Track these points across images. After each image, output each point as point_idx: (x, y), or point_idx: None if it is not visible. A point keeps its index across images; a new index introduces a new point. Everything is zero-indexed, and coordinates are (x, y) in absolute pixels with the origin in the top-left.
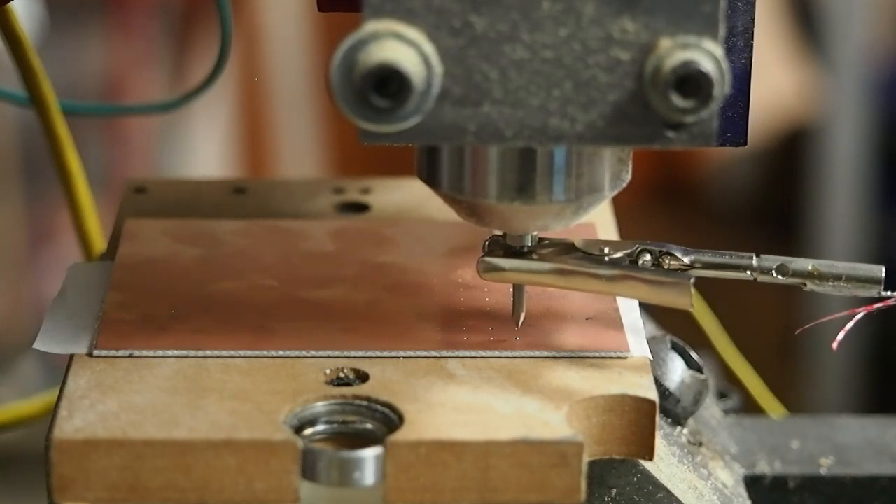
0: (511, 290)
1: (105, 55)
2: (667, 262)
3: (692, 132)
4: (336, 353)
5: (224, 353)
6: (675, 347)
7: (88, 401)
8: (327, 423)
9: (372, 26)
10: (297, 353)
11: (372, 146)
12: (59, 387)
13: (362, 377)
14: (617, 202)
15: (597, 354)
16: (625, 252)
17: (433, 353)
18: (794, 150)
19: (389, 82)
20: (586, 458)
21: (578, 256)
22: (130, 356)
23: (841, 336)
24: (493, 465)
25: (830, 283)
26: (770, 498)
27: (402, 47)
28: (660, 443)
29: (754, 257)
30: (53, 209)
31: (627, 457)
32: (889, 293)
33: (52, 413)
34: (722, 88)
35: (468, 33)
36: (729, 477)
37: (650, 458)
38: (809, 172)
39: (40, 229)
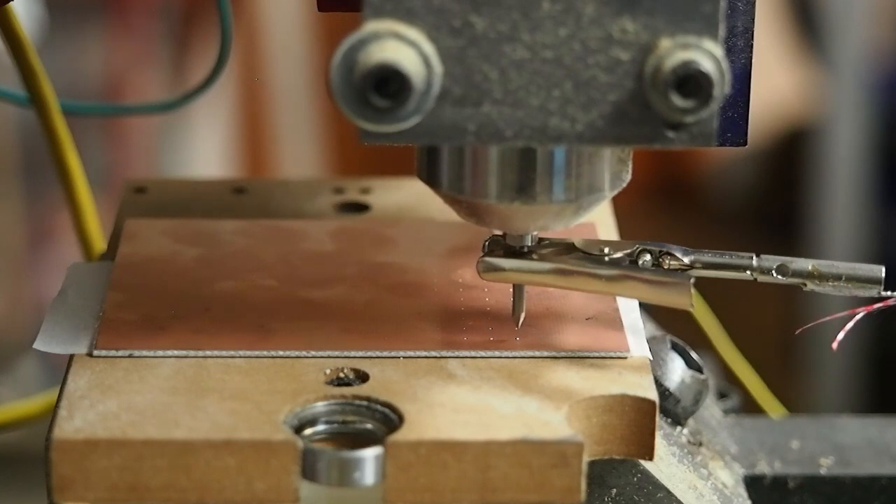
0: (511, 290)
1: (105, 55)
2: (667, 262)
3: (692, 132)
4: (336, 353)
5: (224, 353)
6: (675, 347)
7: (88, 401)
8: (327, 423)
9: (372, 26)
10: (297, 353)
11: (372, 146)
12: (59, 387)
13: (362, 377)
14: (617, 202)
15: (597, 354)
16: (625, 252)
17: (433, 353)
18: (794, 150)
19: (389, 82)
20: (586, 458)
21: (578, 256)
22: (130, 356)
23: (841, 336)
24: (493, 465)
25: (830, 283)
26: (770, 498)
27: (402, 47)
28: (660, 443)
29: (754, 257)
30: (53, 209)
31: (627, 457)
32: (889, 293)
33: (52, 413)
34: (722, 88)
35: (468, 33)
36: (729, 477)
37: (650, 458)
38: (809, 172)
39: (40, 229)
